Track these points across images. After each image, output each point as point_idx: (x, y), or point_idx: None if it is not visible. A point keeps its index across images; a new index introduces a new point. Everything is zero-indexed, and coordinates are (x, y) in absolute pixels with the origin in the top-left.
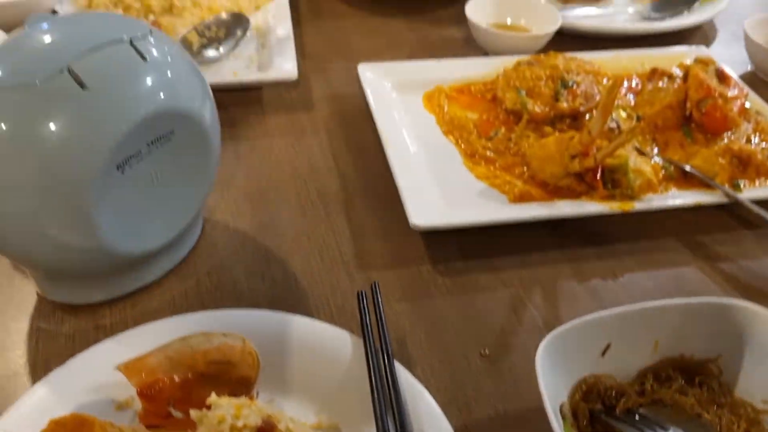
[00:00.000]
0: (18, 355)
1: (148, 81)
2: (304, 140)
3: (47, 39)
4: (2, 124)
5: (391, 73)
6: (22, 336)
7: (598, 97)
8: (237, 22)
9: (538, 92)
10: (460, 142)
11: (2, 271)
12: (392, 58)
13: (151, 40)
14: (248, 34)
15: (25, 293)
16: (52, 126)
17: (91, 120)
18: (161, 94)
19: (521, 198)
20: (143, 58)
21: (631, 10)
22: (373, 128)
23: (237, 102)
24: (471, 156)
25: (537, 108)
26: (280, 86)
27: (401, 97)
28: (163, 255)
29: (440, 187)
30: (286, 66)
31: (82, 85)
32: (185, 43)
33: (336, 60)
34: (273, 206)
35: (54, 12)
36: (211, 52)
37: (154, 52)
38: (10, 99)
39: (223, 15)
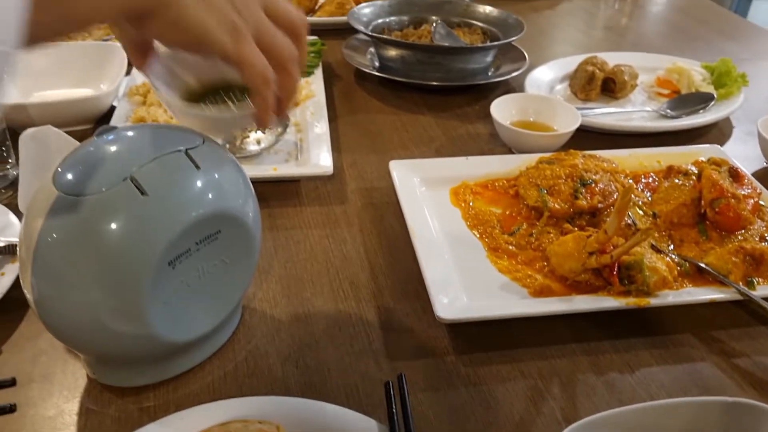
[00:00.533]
0: None
1: (200, 187)
2: (337, 231)
3: (113, 150)
4: (71, 226)
5: (419, 169)
6: (73, 417)
7: (615, 195)
8: (278, 120)
9: (558, 190)
10: (484, 236)
11: (57, 355)
12: (421, 152)
13: (204, 149)
14: (288, 130)
15: (77, 376)
16: (115, 227)
17: (149, 223)
18: (211, 198)
19: (541, 292)
20: (197, 166)
21: (648, 108)
22: (402, 221)
23: (276, 194)
24: (494, 250)
25: (557, 205)
26: (317, 179)
27: (429, 191)
28: (205, 341)
29: (464, 279)
30: (322, 161)
31: (142, 192)
32: (230, 137)
33: (369, 154)
34: (307, 295)
35: (113, 107)
36: (253, 147)
37: (206, 160)
38: (80, 204)
39: None
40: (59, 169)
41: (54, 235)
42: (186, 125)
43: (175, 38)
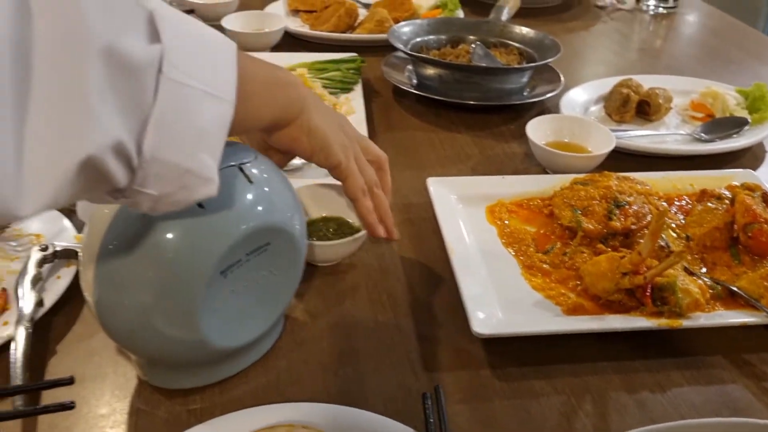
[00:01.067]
0: None
1: (253, 201)
2: (376, 245)
3: None
4: (132, 236)
5: (456, 186)
6: (124, 416)
7: (649, 217)
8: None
9: (592, 211)
10: (518, 254)
11: (109, 355)
12: (458, 170)
13: (256, 164)
14: None
15: (128, 377)
16: (173, 238)
17: (205, 234)
18: (262, 211)
19: (574, 310)
20: (250, 181)
21: (682, 131)
22: (438, 237)
23: None
24: (529, 268)
25: (591, 226)
26: None
27: (466, 209)
28: (250, 348)
29: (499, 295)
30: None
31: (199, 204)
32: None
33: (406, 170)
34: (347, 306)
35: None
36: (296, 161)
37: (258, 175)
38: (140, 215)
39: None
40: None
41: (116, 243)
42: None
43: (301, 145)
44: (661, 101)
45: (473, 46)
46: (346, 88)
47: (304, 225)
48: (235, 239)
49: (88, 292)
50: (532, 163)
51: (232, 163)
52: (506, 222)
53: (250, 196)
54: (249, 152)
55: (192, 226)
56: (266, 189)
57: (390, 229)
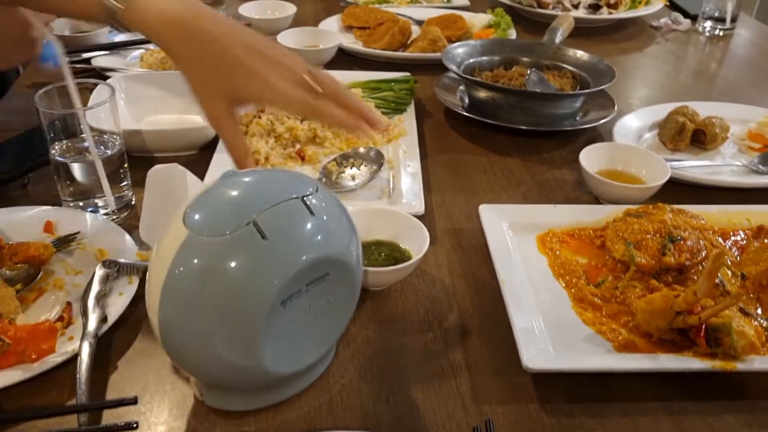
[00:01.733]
0: None
1: (314, 232)
2: (427, 272)
3: (236, 194)
4: (198, 263)
5: (508, 214)
6: None
7: (704, 253)
8: (373, 157)
9: (646, 245)
10: (569, 286)
11: (167, 374)
12: (509, 196)
13: (318, 195)
14: (382, 167)
15: (185, 395)
16: (236, 267)
17: (267, 264)
18: (322, 243)
19: (626, 347)
20: (311, 212)
21: (738, 162)
22: (489, 265)
23: None
24: (579, 301)
25: (644, 260)
26: None
27: (517, 236)
28: (304, 373)
29: (550, 329)
30: (414, 201)
31: (263, 236)
32: (326, 171)
33: (457, 194)
34: (398, 334)
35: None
36: (349, 183)
37: (319, 206)
38: (208, 244)
39: (361, 149)
40: (188, 210)
41: (182, 269)
42: None
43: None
44: (717, 130)
45: (529, 71)
46: (399, 108)
47: (361, 254)
48: (297, 270)
49: (152, 313)
50: (584, 191)
51: (295, 196)
52: (557, 252)
53: (311, 228)
54: (310, 183)
55: (256, 256)
56: (326, 220)
57: (369, 117)
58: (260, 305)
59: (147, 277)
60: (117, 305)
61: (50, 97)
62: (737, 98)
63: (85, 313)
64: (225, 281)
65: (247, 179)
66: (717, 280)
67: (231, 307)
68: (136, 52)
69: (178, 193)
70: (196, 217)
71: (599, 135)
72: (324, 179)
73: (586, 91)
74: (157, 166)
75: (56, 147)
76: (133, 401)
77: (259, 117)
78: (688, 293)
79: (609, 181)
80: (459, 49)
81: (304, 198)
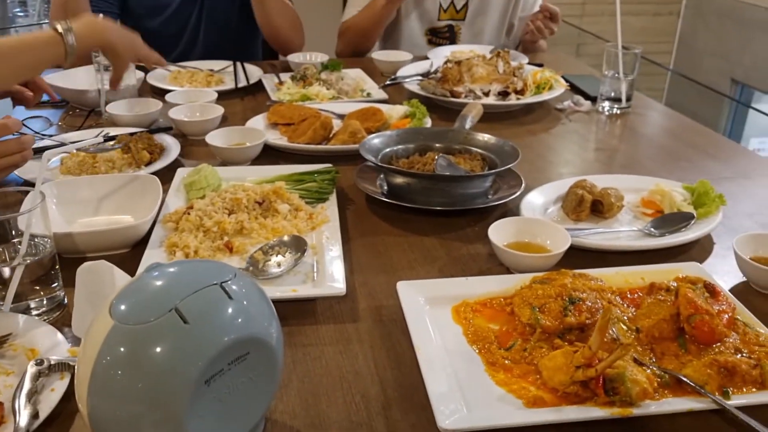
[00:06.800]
0: None
1: (233, 315)
2: (350, 348)
3: (159, 284)
4: (124, 351)
5: (424, 289)
6: None
7: (601, 311)
8: (297, 244)
9: (549, 308)
10: (482, 351)
11: None
12: (426, 272)
13: (236, 281)
14: (306, 253)
15: None
16: (160, 351)
17: (189, 347)
18: (242, 324)
19: (534, 403)
20: (230, 297)
21: (634, 227)
22: (409, 338)
23: (295, 313)
24: (492, 364)
25: (548, 322)
26: (331, 299)
27: (433, 309)
28: None
29: (464, 391)
30: (336, 283)
31: (185, 320)
32: (253, 260)
33: (378, 274)
34: (323, 407)
35: (149, 233)
36: (274, 269)
37: (238, 291)
38: (133, 332)
39: (285, 237)
40: (114, 301)
41: (108, 358)
42: None
43: None
44: (613, 200)
45: (437, 157)
46: (322, 197)
47: (281, 333)
48: (218, 351)
49: (82, 403)
50: (495, 262)
51: (214, 282)
52: (471, 321)
53: (230, 311)
54: (228, 271)
55: (179, 340)
56: (245, 303)
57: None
58: (185, 385)
59: (76, 369)
60: (49, 401)
61: None
62: (634, 170)
63: (16, 411)
64: (151, 365)
65: (170, 270)
66: (613, 335)
67: (157, 390)
68: (56, 158)
69: (107, 288)
70: (122, 307)
71: (510, 210)
72: (251, 267)
73: (491, 172)
74: (86, 264)
75: None
76: None
77: (188, 213)
78: (585, 348)
79: (515, 252)
80: (376, 140)
81: (223, 284)
